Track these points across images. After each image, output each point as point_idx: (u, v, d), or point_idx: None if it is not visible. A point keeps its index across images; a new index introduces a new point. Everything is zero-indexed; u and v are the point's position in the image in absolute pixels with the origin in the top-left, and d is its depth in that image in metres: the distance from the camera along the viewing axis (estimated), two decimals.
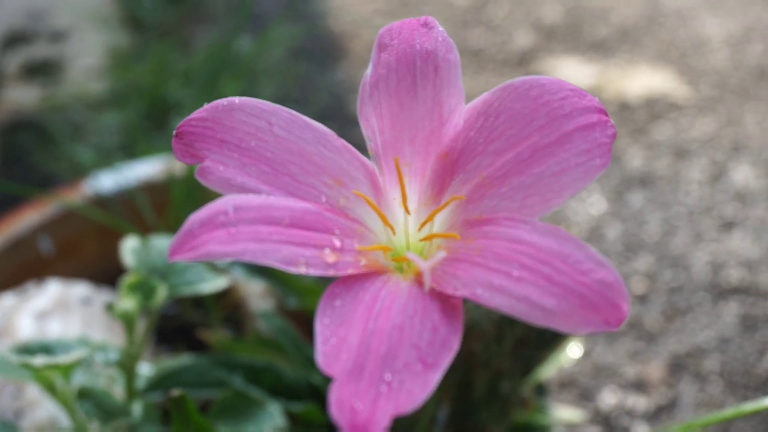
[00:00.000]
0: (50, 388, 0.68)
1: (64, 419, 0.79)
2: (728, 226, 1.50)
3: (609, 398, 1.19)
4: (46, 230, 1.01)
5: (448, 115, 0.40)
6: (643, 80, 1.88)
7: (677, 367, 1.24)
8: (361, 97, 0.41)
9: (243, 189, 0.37)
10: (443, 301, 0.35)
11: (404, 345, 0.33)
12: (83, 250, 1.03)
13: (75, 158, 1.42)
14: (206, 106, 0.38)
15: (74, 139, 1.51)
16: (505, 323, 0.68)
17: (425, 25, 0.41)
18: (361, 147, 0.42)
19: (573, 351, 0.88)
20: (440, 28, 0.41)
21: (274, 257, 0.34)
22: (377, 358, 0.32)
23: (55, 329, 0.87)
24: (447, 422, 0.73)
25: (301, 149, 0.39)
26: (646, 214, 1.52)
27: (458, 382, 0.71)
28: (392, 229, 0.39)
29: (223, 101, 0.38)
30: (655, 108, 1.79)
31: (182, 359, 0.74)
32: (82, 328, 0.88)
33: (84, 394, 0.69)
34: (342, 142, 0.40)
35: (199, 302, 1.01)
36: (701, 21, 2.07)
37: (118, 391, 0.74)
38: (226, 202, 0.35)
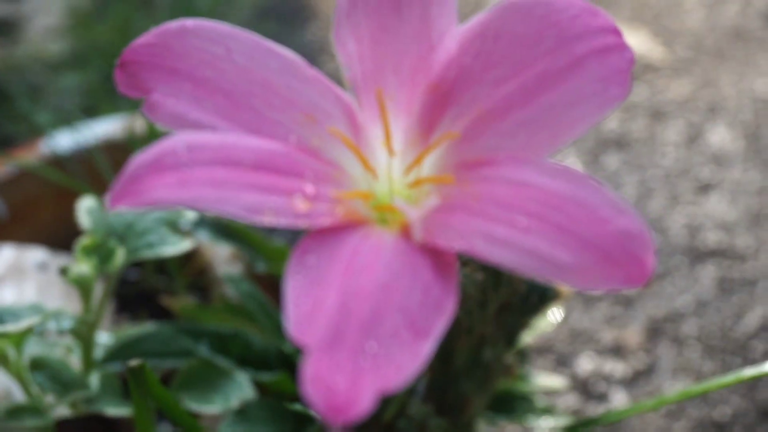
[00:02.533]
0: (1, 359, 0.63)
1: (18, 392, 0.75)
2: (705, 188, 1.47)
3: (586, 364, 1.17)
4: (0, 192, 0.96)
5: (438, 39, 0.34)
6: None
7: (655, 331, 1.22)
8: (337, 18, 0.34)
9: (197, 126, 0.31)
10: (435, 256, 0.29)
11: (391, 308, 0.27)
12: (39, 214, 0.98)
13: (33, 120, 1.37)
14: (154, 30, 0.32)
15: (33, 101, 1.46)
16: (489, 287, 0.64)
17: None
18: (339, 82, 0.36)
19: (553, 316, 0.85)
20: None
21: (235, 205, 0.28)
22: (359, 325, 0.27)
23: (9, 296, 0.83)
24: (425, 393, 0.69)
25: (265, 80, 0.32)
26: (622, 176, 1.49)
27: (438, 351, 0.67)
28: (373, 172, 0.33)
29: (174, 24, 0.32)
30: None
31: (144, 327, 0.70)
32: (38, 295, 0.84)
33: (37, 365, 0.64)
34: (314, 72, 0.34)
35: (163, 268, 0.97)
36: None
37: (75, 362, 0.70)
38: (177, 141, 0.28)
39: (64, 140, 0.99)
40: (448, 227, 0.29)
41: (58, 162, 0.97)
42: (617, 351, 1.20)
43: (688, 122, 1.63)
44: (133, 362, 0.55)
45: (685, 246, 1.36)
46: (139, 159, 0.28)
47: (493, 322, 0.66)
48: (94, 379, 0.66)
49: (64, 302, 0.85)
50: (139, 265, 0.97)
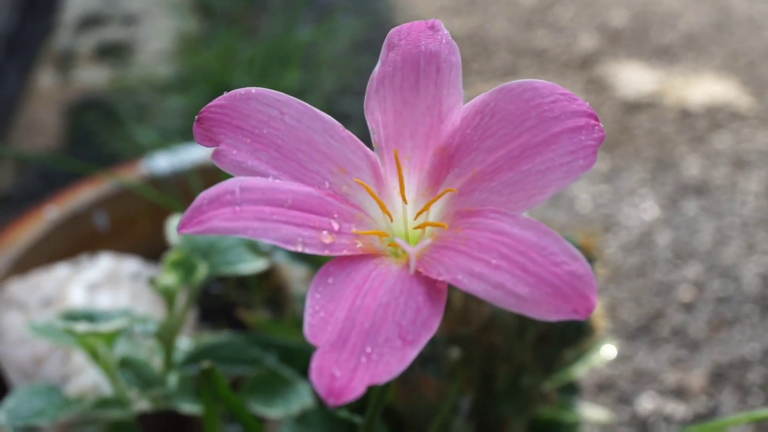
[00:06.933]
0: (94, 356, 0.72)
1: (106, 386, 0.83)
2: None
3: (647, 403, 1.20)
4: (103, 206, 1.05)
5: (447, 113, 0.43)
6: (706, 88, 1.87)
7: (719, 377, 1.24)
8: (368, 92, 0.44)
9: (253, 172, 0.41)
10: (428, 285, 0.38)
11: (387, 322, 0.36)
12: (137, 228, 1.08)
13: (139, 139, 1.47)
14: (225, 94, 0.42)
15: (139, 121, 1.56)
16: (527, 318, 0.70)
17: (432, 27, 0.45)
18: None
19: (607, 353, 0.89)
20: (445, 31, 0.44)
21: (273, 235, 0.37)
22: (360, 332, 0.36)
23: (105, 301, 0.92)
24: (469, 412, 0.75)
25: (309, 138, 0.42)
26: (699, 222, 1.52)
27: (481, 374, 0.74)
28: (390, 216, 0.42)
29: (241, 90, 0.42)
30: (717, 117, 1.78)
31: (220, 336, 0.78)
32: (130, 301, 0.93)
33: (125, 363, 0.74)
34: (348, 133, 0.43)
35: (244, 283, 1.04)
36: None
37: (157, 363, 0.78)
38: (234, 183, 0.38)
39: (163, 162, 1.08)
40: (439, 262, 0.38)
41: (156, 182, 1.06)
42: (679, 393, 1.22)
43: None
44: (205, 364, 0.63)
45: (756, 295, 1.38)
46: (204, 195, 0.37)
47: (532, 351, 0.73)
48: (173, 379, 0.74)
49: (153, 309, 0.93)
50: (223, 280, 1.05)
